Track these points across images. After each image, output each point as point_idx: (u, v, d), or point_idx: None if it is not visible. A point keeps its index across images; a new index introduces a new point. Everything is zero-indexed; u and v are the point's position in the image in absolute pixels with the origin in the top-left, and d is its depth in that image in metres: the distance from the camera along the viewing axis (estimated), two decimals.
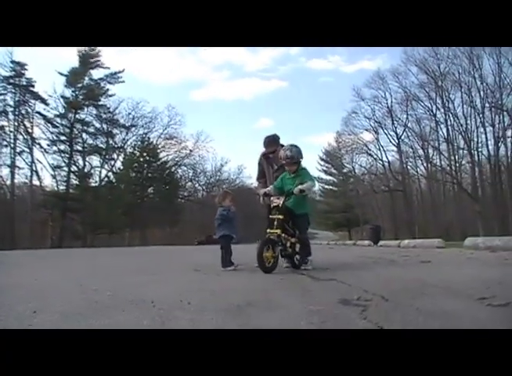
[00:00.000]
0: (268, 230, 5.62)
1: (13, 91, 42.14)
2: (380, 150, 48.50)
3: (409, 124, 45.75)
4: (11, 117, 42.18)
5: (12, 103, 42.25)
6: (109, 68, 48.17)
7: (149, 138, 52.03)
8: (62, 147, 46.53)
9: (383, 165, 49.33)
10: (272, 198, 5.85)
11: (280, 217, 5.57)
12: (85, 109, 47.74)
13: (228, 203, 6.38)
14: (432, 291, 3.56)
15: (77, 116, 46.98)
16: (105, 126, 49.57)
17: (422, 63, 42.63)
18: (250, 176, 57.50)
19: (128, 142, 52.30)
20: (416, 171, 47.39)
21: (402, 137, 46.30)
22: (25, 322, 2.74)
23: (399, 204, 46.65)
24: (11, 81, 41.78)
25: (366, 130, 48.72)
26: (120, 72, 48.24)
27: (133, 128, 51.27)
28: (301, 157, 5.98)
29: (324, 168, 60.49)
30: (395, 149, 47.33)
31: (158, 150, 53.02)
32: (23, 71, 42.15)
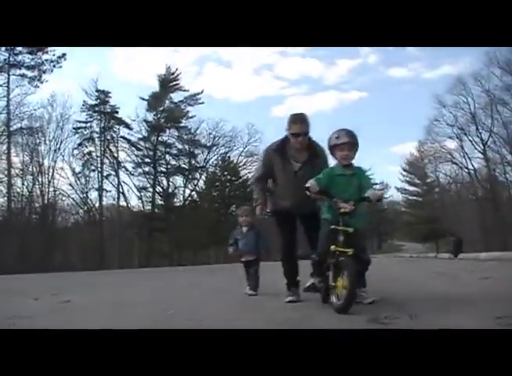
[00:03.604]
0: (333, 247, 4.07)
1: (99, 118, 44.61)
2: (465, 157, 46.58)
3: (494, 129, 43.59)
4: (97, 142, 44.59)
5: (98, 129, 44.74)
6: (188, 90, 49.66)
7: (229, 157, 52.96)
8: (146, 169, 48.45)
9: (469, 173, 47.31)
10: (335, 200, 4.24)
11: (350, 230, 4.10)
12: (167, 131, 49.43)
13: (241, 220, 5.96)
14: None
15: (159, 138, 48.76)
16: (187, 147, 50.98)
17: (506, 64, 40.66)
18: None
19: (210, 162, 53.48)
20: (505, 178, 45.07)
21: (488, 143, 44.27)
22: None
23: (489, 213, 44.43)
24: (96, 108, 44.28)
25: (450, 138, 46.90)
26: (198, 94, 49.60)
27: (214, 148, 52.35)
28: None
29: (407, 179, 58.93)
30: (481, 156, 45.40)
31: (239, 168, 53.74)
32: (107, 99, 44.61)
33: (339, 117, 75.19)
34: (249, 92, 75.36)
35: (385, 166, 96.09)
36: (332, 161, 4.66)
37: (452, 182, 49.65)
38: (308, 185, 4.27)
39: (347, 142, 4.25)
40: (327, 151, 4.73)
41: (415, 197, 59.67)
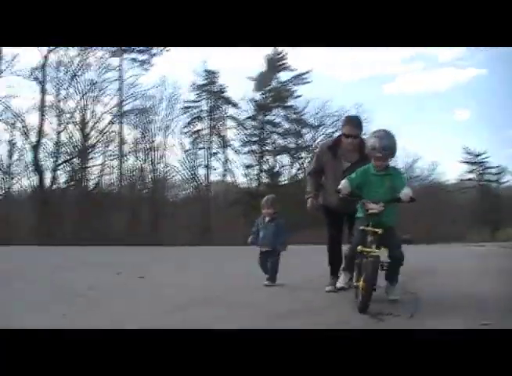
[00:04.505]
0: (359, 248, 4.15)
1: (207, 97, 45.90)
2: None
3: None
4: (206, 121, 45.98)
5: (206, 108, 46.06)
6: (296, 70, 49.42)
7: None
8: (253, 147, 49.05)
9: None
10: (363, 201, 4.33)
11: (379, 231, 4.11)
12: (274, 111, 49.69)
13: (263, 212, 5.95)
14: None
15: (266, 118, 49.15)
16: (293, 126, 51.00)
17: None
18: (443, 172, 54.10)
19: (317, 141, 53.14)
20: None
21: None
22: None
23: None
24: (205, 88, 45.57)
25: None
26: (307, 73, 49.22)
27: (321, 127, 51.92)
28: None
29: None
30: None
31: None
32: (215, 79, 45.72)
33: (454, 95, 71.21)
34: (358, 69, 72.99)
35: (503, 149, 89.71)
36: None
37: None
38: (340, 187, 4.42)
39: (384, 154, 4.30)
40: None
41: None
